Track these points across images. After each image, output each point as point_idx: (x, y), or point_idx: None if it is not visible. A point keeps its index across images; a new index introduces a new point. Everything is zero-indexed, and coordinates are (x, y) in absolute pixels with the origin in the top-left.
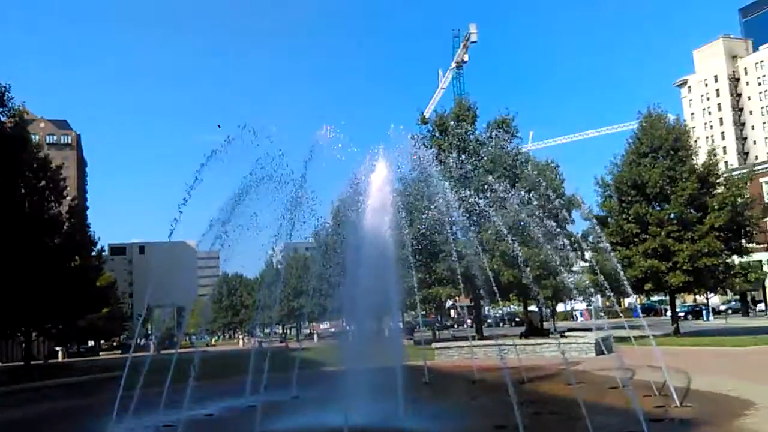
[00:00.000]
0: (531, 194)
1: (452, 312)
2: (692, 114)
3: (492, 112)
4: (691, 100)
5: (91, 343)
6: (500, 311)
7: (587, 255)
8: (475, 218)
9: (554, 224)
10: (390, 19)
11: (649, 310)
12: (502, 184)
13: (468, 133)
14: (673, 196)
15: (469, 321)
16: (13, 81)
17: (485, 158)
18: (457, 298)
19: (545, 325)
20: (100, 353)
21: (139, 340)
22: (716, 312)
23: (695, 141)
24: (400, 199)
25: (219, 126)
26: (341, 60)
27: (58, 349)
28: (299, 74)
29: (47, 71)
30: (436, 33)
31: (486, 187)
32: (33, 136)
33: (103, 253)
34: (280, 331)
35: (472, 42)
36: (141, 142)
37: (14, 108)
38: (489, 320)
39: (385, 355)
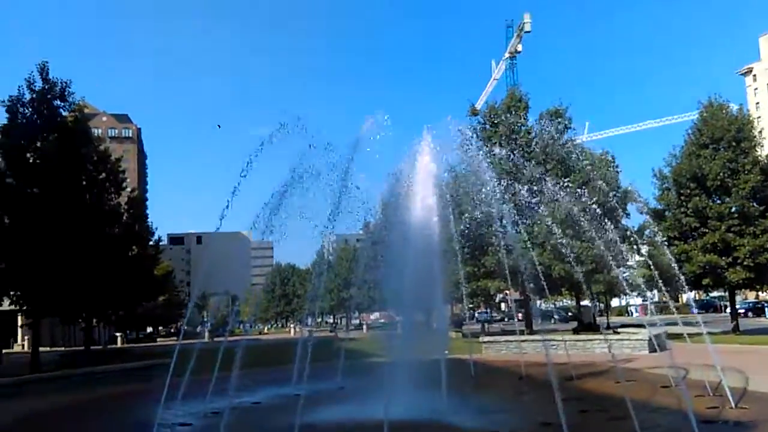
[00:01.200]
0: (584, 187)
1: (502, 305)
2: (757, 103)
3: (546, 104)
4: (756, 88)
5: (149, 329)
6: (552, 306)
7: (643, 249)
8: (526, 211)
9: (608, 218)
10: (443, 8)
11: (708, 307)
12: (553, 176)
13: (519, 125)
14: (735, 189)
15: (519, 315)
16: (76, 76)
17: (537, 150)
18: (507, 291)
19: (598, 320)
20: (158, 339)
21: (193, 327)
22: None
23: (760, 131)
24: (449, 191)
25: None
26: (392, 51)
27: (117, 334)
28: (349, 66)
29: (109, 66)
30: (489, 23)
31: (537, 179)
32: (95, 130)
33: (162, 243)
34: (331, 321)
35: (526, 32)
36: (199, 136)
37: (75, 102)
38: (540, 315)
39: (431, 347)
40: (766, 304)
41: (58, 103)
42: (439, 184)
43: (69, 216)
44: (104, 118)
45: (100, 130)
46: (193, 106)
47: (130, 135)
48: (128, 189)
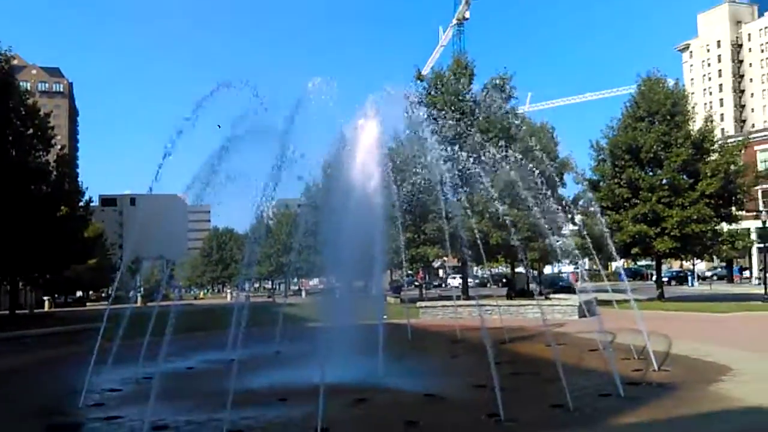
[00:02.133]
0: (524, 156)
1: (440, 272)
2: (692, 79)
3: (491, 72)
4: (692, 65)
5: (79, 293)
6: (488, 272)
7: (577, 219)
8: (466, 179)
9: (545, 187)
10: None
11: (636, 275)
12: (495, 145)
13: (464, 92)
14: (667, 162)
15: (454, 281)
16: (4, 26)
17: (480, 118)
18: (445, 258)
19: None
20: (87, 304)
21: (125, 292)
22: (701, 278)
23: (693, 107)
24: (392, 156)
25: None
26: (340, 15)
27: (45, 298)
28: (294, 28)
29: (40, 17)
30: None
31: (479, 147)
32: (24, 83)
33: (93, 204)
34: (269, 286)
35: None
36: (135, 93)
37: (1, 53)
38: (476, 281)
39: (368, 312)
40: (689, 273)
41: None
42: (382, 150)
43: None
44: (34, 71)
45: (28, 84)
46: (129, 60)
47: (62, 90)
48: (58, 146)
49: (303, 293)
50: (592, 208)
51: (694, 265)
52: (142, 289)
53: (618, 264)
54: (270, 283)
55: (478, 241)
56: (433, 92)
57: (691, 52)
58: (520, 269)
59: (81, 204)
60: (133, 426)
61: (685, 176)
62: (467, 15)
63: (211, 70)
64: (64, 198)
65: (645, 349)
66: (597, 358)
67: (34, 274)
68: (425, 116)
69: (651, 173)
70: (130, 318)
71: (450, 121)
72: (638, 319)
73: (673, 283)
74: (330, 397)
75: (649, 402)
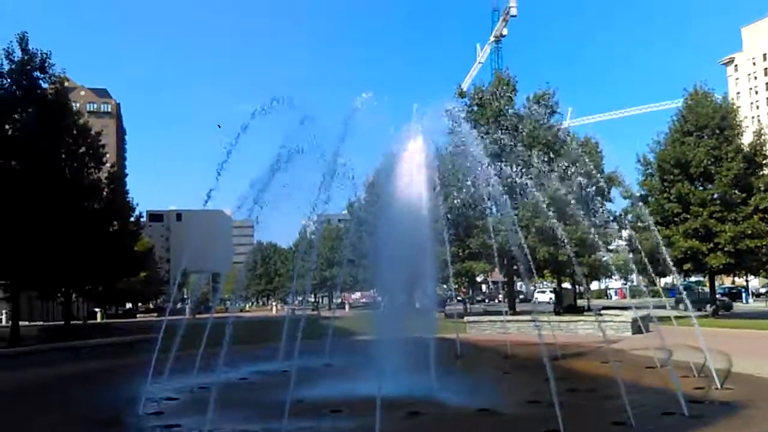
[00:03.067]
0: (569, 170)
1: (484, 287)
2: (738, 93)
3: (530, 88)
4: (737, 78)
5: (128, 305)
6: (534, 287)
7: (624, 233)
8: (512, 194)
9: (594, 201)
10: None
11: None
12: (540, 159)
13: (506, 108)
14: (718, 176)
15: (501, 296)
16: (54, 48)
17: (524, 133)
18: (489, 273)
19: (579, 302)
20: (137, 315)
21: (175, 304)
22: (756, 295)
23: (742, 120)
24: (436, 173)
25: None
26: (378, 34)
27: (97, 310)
28: (336, 47)
29: (88, 40)
30: (474, 6)
31: (524, 161)
32: (74, 104)
33: (142, 219)
34: (312, 300)
35: (512, 16)
36: (180, 112)
37: (55, 75)
38: (521, 296)
39: (417, 326)
40: (743, 290)
41: (38, 74)
42: (428, 165)
43: (48, 190)
44: (83, 93)
45: (78, 104)
46: (174, 81)
47: (109, 110)
48: (108, 164)
49: (346, 307)
50: (641, 223)
51: (747, 281)
52: (190, 301)
53: (668, 279)
54: (313, 296)
55: (527, 256)
56: (475, 109)
57: (736, 65)
58: (566, 284)
59: (131, 219)
60: None
61: (737, 191)
62: (505, 32)
63: (254, 88)
64: (116, 214)
65: (705, 366)
66: (655, 375)
67: (87, 287)
68: (469, 131)
69: (701, 188)
70: (182, 329)
71: (494, 136)
72: (697, 336)
73: (726, 299)
74: (384, 410)
75: (715, 421)
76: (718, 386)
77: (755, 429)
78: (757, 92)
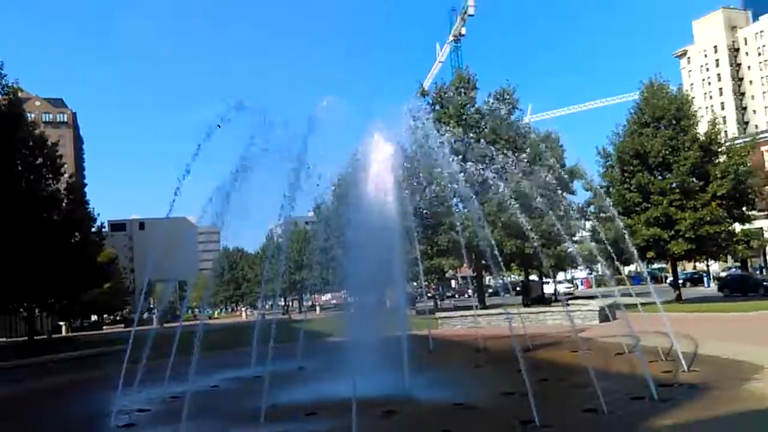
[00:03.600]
0: (531, 164)
1: (453, 282)
2: (692, 84)
3: (491, 85)
4: (690, 70)
5: (94, 317)
6: (501, 281)
7: (588, 224)
8: (476, 189)
9: (558, 193)
10: None
11: (650, 278)
12: (503, 154)
13: (468, 105)
14: (675, 165)
15: (470, 291)
16: (7, 59)
17: (486, 130)
18: (458, 269)
19: (549, 293)
20: (103, 327)
21: (142, 314)
22: (717, 279)
23: (697, 111)
24: (402, 171)
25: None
26: (337, 32)
27: (61, 323)
28: (292, 45)
29: (41, 50)
30: (433, 6)
31: (487, 158)
32: (29, 115)
33: (104, 230)
34: (282, 303)
35: (470, 15)
36: (137, 120)
37: (8, 86)
38: (490, 290)
39: (388, 325)
40: (704, 274)
41: None
42: (394, 164)
43: (5, 202)
44: (38, 103)
45: (33, 115)
46: (130, 89)
47: (66, 120)
48: (66, 175)
49: (317, 309)
50: (604, 213)
51: (708, 266)
52: (157, 310)
53: (632, 267)
54: (283, 300)
55: (495, 251)
56: (437, 107)
57: (688, 58)
58: (533, 276)
59: (93, 230)
60: None
61: (694, 179)
62: (463, 31)
63: (214, 94)
64: (76, 225)
65: (672, 351)
66: (624, 361)
67: (50, 300)
68: (431, 129)
69: (660, 177)
70: (150, 339)
71: (456, 133)
72: (662, 321)
73: (689, 284)
74: (359, 411)
75: (684, 403)
76: (686, 369)
77: (723, 409)
78: (709, 83)
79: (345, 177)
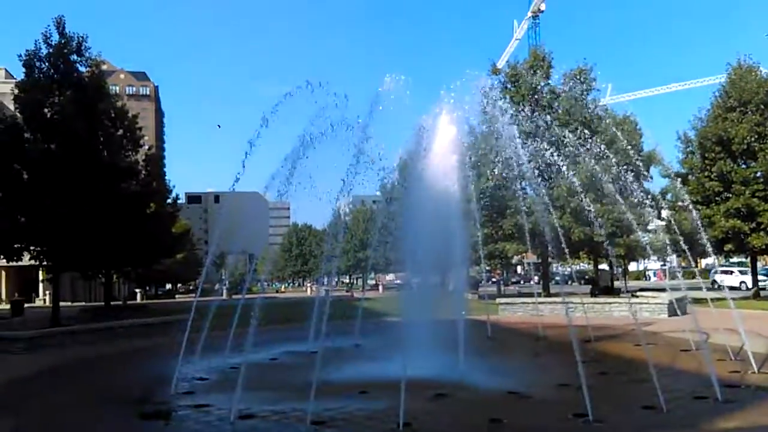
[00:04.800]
0: (607, 149)
1: (518, 268)
2: None
3: (569, 64)
4: None
5: (168, 286)
6: (569, 269)
7: (664, 213)
8: (546, 173)
9: (630, 180)
10: None
11: (727, 272)
12: (576, 137)
13: (542, 85)
14: (761, 153)
15: (535, 278)
16: (93, 32)
17: (560, 110)
18: (524, 254)
19: (616, 284)
20: (177, 296)
21: (212, 285)
22: None
23: None
24: (469, 152)
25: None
26: (413, 9)
27: (137, 290)
28: (368, 25)
29: (127, 23)
30: None
31: (559, 140)
32: (113, 87)
33: (180, 202)
34: (347, 281)
35: None
36: (217, 95)
37: (92, 58)
38: (557, 278)
39: (447, 308)
40: None
41: (75, 58)
42: (460, 144)
43: (86, 172)
44: (122, 76)
45: (117, 88)
46: (210, 64)
47: (148, 93)
48: (146, 147)
49: (380, 288)
50: (681, 203)
51: None
52: (227, 282)
53: (709, 261)
54: (348, 277)
55: (560, 237)
56: (509, 86)
57: None
58: (603, 266)
59: (169, 201)
60: (221, 414)
61: None
62: (543, 7)
63: (288, 71)
64: (153, 196)
65: (743, 350)
66: (690, 358)
67: (126, 268)
68: (502, 109)
69: (744, 166)
70: (217, 310)
71: (528, 113)
72: (734, 318)
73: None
74: (411, 392)
75: (750, 406)
76: (755, 370)
77: None
78: None
79: (409, 155)
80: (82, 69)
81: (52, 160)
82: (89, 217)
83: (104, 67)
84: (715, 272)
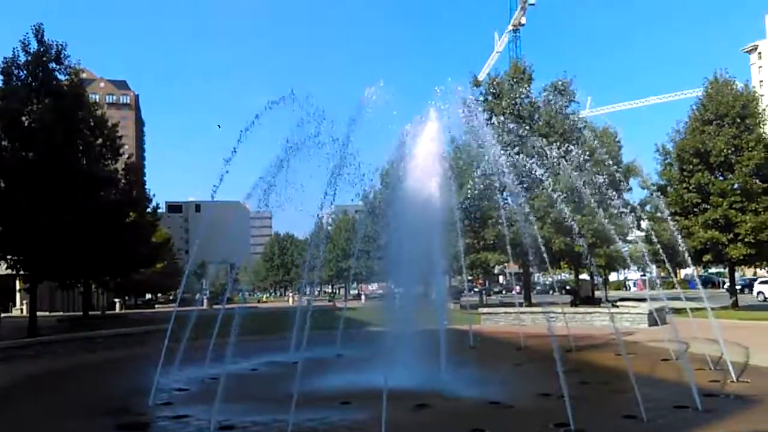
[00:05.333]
0: (588, 160)
1: (501, 278)
2: (761, 81)
3: (548, 77)
4: (760, 66)
5: (148, 296)
6: (550, 279)
7: (644, 224)
8: (526, 184)
9: (609, 190)
10: None
11: (706, 283)
12: (556, 148)
13: (523, 97)
14: (738, 166)
15: (517, 288)
16: (73, 40)
17: (540, 122)
18: (505, 264)
19: (596, 294)
20: (156, 306)
21: (192, 295)
22: None
23: (764, 109)
24: (450, 163)
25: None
26: (393, 21)
27: (116, 300)
28: (348, 35)
29: (107, 32)
30: None
31: (540, 151)
32: (93, 96)
33: (160, 211)
34: (329, 291)
35: (530, 4)
36: (198, 104)
37: (71, 66)
38: (538, 288)
39: (429, 317)
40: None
41: (54, 66)
42: (441, 155)
43: (65, 180)
44: (102, 84)
45: (97, 96)
46: (192, 74)
47: (128, 102)
48: (125, 155)
49: (362, 298)
50: (660, 214)
51: None
52: (208, 292)
53: (688, 271)
54: (330, 287)
55: (541, 247)
56: (490, 98)
57: (759, 53)
58: (583, 276)
59: (149, 210)
60: (200, 425)
61: (758, 180)
62: (523, 20)
63: (268, 80)
64: (133, 204)
65: (722, 360)
66: (670, 368)
67: (105, 277)
68: (484, 120)
69: (721, 177)
70: (196, 320)
71: (509, 125)
72: (714, 328)
73: (747, 291)
74: (392, 402)
75: (729, 415)
76: (734, 379)
77: None
78: None
79: (390, 165)
80: (61, 77)
81: (29, 168)
82: (67, 226)
83: (84, 75)
84: (760, 282)
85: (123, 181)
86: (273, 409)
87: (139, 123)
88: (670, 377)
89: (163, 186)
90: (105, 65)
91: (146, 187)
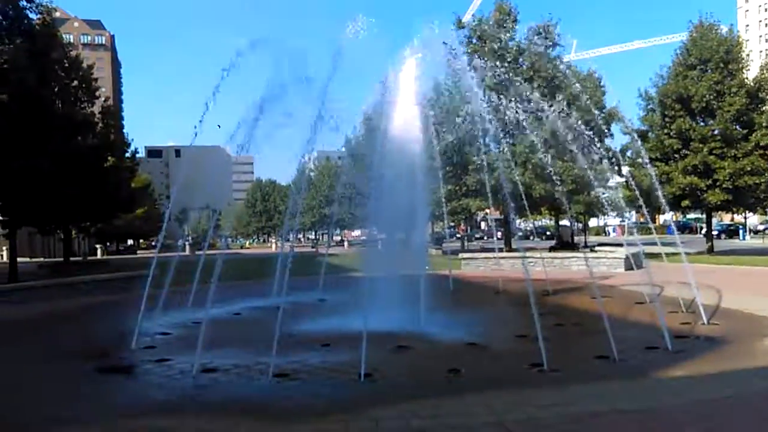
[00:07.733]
0: (570, 106)
1: (483, 224)
2: (747, 26)
3: (535, 19)
4: (747, 10)
5: (130, 242)
6: (531, 225)
7: (624, 170)
8: (509, 129)
9: (591, 137)
10: None
11: (684, 228)
12: (539, 93)
13: (507, 40)
14: (719, 111)
15: (499, 234)
16: None
17: (524, 66)
18: (487, 210)
19: (576, 239)
20: (138, 252)
21: (174, 240)
22: (754, 232)
23: (748, 54)
24: (432, 107)
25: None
26: None
27: (97, 246)
28: None
29: None
30: None
31: (523, 96)
32: (66, 36)
33: (139, 155)
34: (313, 237)
35: None
36: (176, 46)
37: (42, 5)
38: (520, 233)
39: (410, 263)
40: (741, 227)
41: (25, 4)
42: (423, 99)
43: (40, 124)
44: (76, 24)
45: (71, 36)
46: (170, 12)
47: (104, 42)
48: (102, 98)
49: (345, 244)
50: (640, 159)
51: (746, 218)
52: (190, 238)
53: (667, 217)
54: (313, 233)
55: (522, 193)
56: (474, 41)
57: None
58: (564, 222)
59: (128, 155)
60: (182, 368)
61: (738, 127)
62: None
63: (251, 21)
64: (111, 149)
65: (694, 303)
66: (644, 311)
67: (85, 223)
68: (466, 64)
69: (702, 123)
70: (178, 266)
71: (492, 68)
72: (687, 272)
73: (724, 236)
74: (372, 344)
75: (698, 355)
76: (705, 322)
77: (737, 363)
78: (767, 25)
79: (372, 109)
80: (33, 16)
81: (3, 112)
82: (45, 171)
83: (57, 14)
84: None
85: (100, 124)
86: (255, 352)
87: (116, 65)
88: (643, 320)
89: (142, 130)
90: (78, 4)
91: (124, 131)
